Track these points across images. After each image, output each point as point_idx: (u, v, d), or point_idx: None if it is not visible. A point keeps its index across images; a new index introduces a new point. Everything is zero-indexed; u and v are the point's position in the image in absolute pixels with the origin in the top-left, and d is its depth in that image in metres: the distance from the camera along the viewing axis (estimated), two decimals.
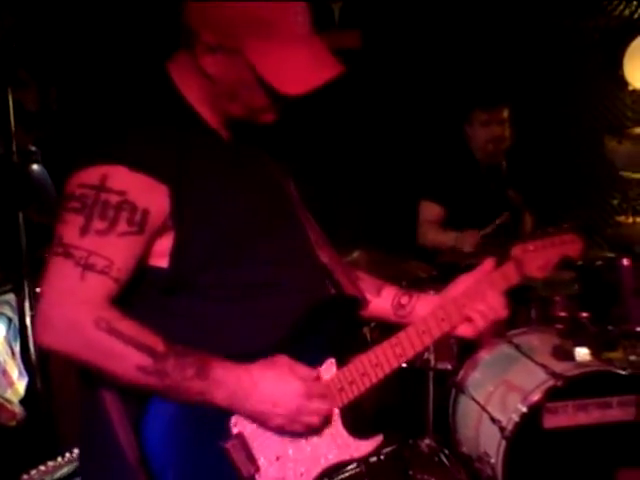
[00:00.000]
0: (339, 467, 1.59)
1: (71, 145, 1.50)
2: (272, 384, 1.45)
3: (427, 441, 3.08)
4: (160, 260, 1.44)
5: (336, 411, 1.57)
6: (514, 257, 1.75)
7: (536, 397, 2.69)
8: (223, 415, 1.45)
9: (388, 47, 4.24)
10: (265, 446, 1.49)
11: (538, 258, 1.77)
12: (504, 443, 2.70)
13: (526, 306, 3.36)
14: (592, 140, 4.34)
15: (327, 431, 1.56)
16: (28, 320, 2.85)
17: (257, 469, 1.47)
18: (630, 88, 4.43)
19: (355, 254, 3.26)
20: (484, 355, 3.13)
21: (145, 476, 1.39)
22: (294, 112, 1.60)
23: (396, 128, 4.30)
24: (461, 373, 3.14)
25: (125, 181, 1.38)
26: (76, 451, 2.28)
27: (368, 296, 1.76)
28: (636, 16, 4.42)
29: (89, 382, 1.46)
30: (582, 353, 2.88)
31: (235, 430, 1.46)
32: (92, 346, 1.34)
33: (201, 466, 1.43)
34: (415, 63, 4.25)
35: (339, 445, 1.56)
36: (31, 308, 2.85)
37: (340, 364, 1.58)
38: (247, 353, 1.47)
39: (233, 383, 1.42)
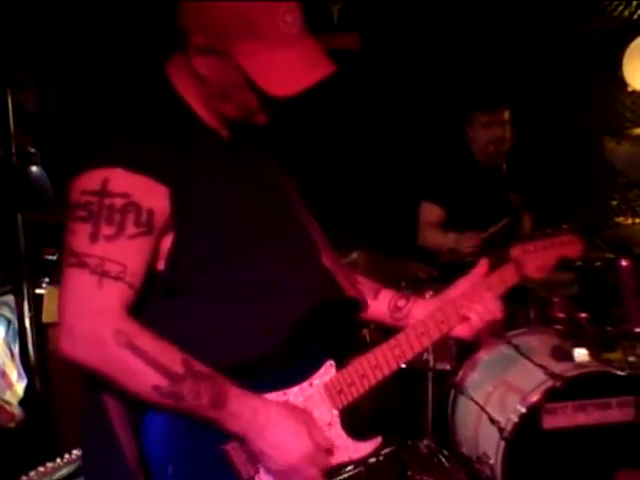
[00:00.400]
0: (338, 468, 1.59)
1: (70, 147, 1.49)
2: (286, 434, 1.43)
3: (426, 442, 3.08)
4: (159, 262, 1.44)
5: (335, 413, 1.57)
6: (513, 258, 1.76)
7: (535, 398, 2.69)
8: None
9: (387, 48, 4.23)
10: None
11: (537, 259, 1.78)
12: (503, 444, 2.70)
13: (525, 307, 3.36)
14: (591, 141, 4.34)
15: (326, 433, 1.55)
16: (27, 321, 2.86)
17: (257, 471, 1.46)
18: (629, 89, 4.42)
19: (354, 255, 3.26)
20: (483, 356, 3.13)
21: (144, 477, 1.39)
22: (294, 112, 1.60)
23: (396, 129, 4.29)
24: (460, 374, 3.14)
25: (126, 183, 1.37)
26: (75, 452, 2.28)
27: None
28: (635, 17, 4.41)
29: (91, 385, 1.45)
30: (581, 354, 2.88)
31: None
32: (112, 362, 1.34)
33: (200, 468, 1.43)
34: (415, 64, 4.25)
35: (338, 446, 1.56)
36: (30, 309, 2.85)
37: (339, 366, 1.58)
38: (247, 354, 1.46)
39: (248, 419, 1.41)
